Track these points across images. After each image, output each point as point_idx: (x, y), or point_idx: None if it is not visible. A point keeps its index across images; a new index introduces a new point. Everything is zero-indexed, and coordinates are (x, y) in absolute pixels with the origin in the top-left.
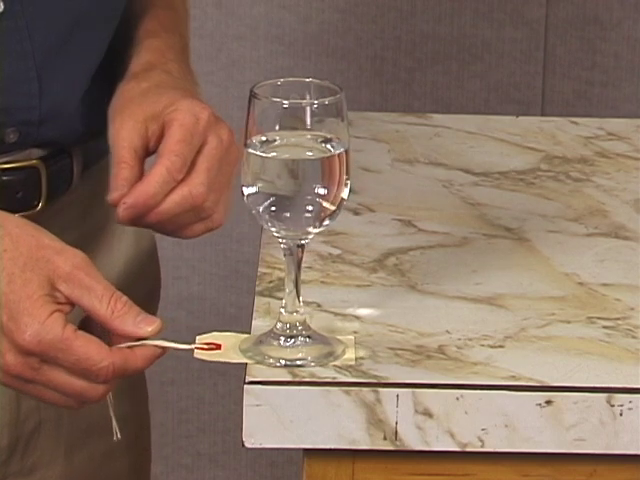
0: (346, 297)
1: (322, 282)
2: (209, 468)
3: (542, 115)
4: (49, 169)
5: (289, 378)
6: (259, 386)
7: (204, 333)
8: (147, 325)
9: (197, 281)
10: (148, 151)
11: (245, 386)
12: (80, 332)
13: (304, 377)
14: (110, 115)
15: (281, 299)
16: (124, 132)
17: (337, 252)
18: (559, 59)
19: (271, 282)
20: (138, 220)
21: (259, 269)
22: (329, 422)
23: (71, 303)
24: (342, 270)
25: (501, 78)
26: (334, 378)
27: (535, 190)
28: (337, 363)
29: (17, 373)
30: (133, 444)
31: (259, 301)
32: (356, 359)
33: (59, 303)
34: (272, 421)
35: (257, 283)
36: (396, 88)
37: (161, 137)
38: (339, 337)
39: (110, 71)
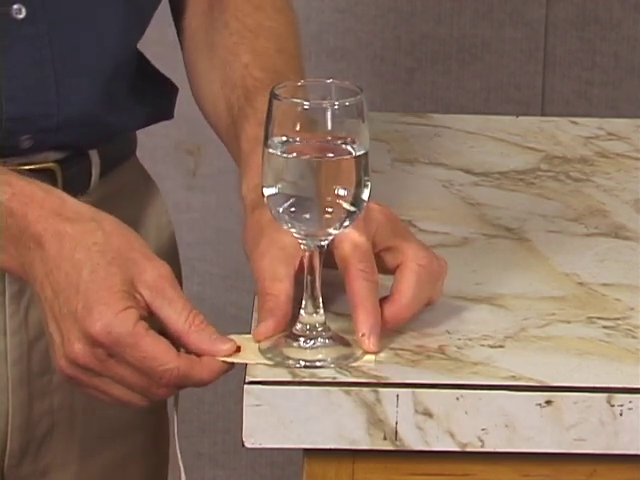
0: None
1: (324, 282)
2: (209, 468)
3: (542, 115)
4: (65, 172)
5: (289, 378)
6: (259, 386)
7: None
8: (222, 344)
9: (197, 281)
10: (297, 271)
11: (245, 386)
12: (152, 331)
13: (304, 377)
14: (247, 249)
15: None
16: (265, 263)
17: None
18: (559, 59)
19: None
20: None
21: None
22: (329, 422)
23: (149, 310)
24: None
25: (501, 78)
26: (334, 378)
27: (535, 190)
28: (357, 364)
29: (84, 363)
30: (150, 449)
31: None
32: (376, 361)
33: (137, 304)
34: (272, 421)
35: None
36: (396, 88)
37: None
38: None
39: (149, 85)
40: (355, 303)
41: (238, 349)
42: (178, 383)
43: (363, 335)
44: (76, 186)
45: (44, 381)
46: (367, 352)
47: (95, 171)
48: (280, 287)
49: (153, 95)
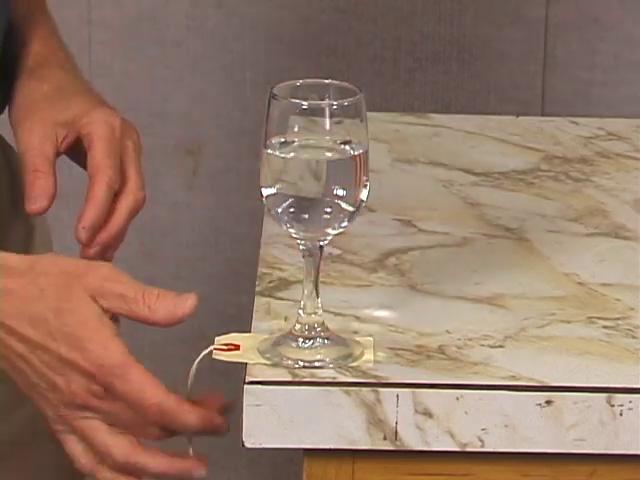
0: (346, 297)
1: (322, 282)
2: (209, 468)
3: (542, 115)
4: None
5: (289, 378)
6: (259, 386)
7: (204, 333)
8: (183, 303)
9: (197, 281)
10: (57, 156)
11: (245, 386)
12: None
13: (304, 377)
14: (15, 118)
15: (281, 299)
16: (35, 139)
17: (337, 252)
18: (559, 59)
19: (271, 282)
20: (93, 240)
21: (259, 269)
22: (329, 422)
23: (114, 316)
24: (342, 270)
25: (501, 78)
26: (334, 378)
27: (535, 190)
28: (356, 364)
29: (83, 402)
30: (62, 459)
31: (259, 301)
32: (374, 361)
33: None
34: (272, 421)
35: (257, 283)
36: (396, 88)
37: (71, 144)
38: (358, 338)
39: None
40: (89, 198)
41: (237, 347)
42: (164, 422)
43: (83, 228)
44: None
45: None
46: (81, 242)
47: None
48: (49, 166)
49: None
